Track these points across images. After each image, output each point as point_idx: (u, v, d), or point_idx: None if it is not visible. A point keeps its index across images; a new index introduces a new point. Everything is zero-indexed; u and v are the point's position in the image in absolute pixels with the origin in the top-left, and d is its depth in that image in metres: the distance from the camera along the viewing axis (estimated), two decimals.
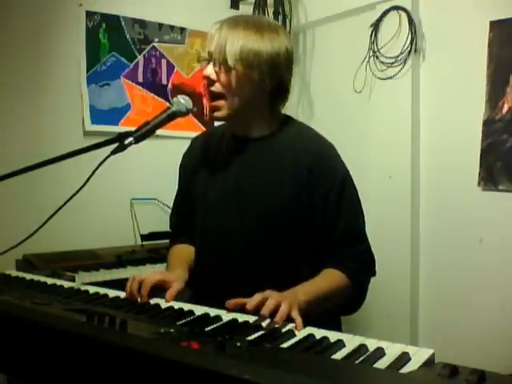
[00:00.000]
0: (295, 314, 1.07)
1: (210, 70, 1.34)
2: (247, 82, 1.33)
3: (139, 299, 1.24)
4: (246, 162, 1.41)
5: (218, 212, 1.42)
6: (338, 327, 1.45)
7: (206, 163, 1.48)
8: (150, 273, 1.32)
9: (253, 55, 1.30)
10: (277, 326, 1.04)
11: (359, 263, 1.37)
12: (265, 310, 1.06)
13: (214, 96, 1.35)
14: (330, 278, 1.32)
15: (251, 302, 1.08)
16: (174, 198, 1.61)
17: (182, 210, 1.55)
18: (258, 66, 1.31)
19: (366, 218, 1.44)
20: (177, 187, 1.59)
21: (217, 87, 1.34)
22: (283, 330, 1.02)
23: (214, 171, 1.45)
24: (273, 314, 1.06)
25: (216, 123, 1.51)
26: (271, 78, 1.34)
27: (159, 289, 1.29)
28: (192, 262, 1.48)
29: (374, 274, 1.43)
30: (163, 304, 1.22)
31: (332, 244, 1.36)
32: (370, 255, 1.42)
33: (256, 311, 1.08)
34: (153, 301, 1.24)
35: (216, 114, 1.36)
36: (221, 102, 1.35)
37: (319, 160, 1.37)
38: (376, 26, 2.65)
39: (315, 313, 1.19)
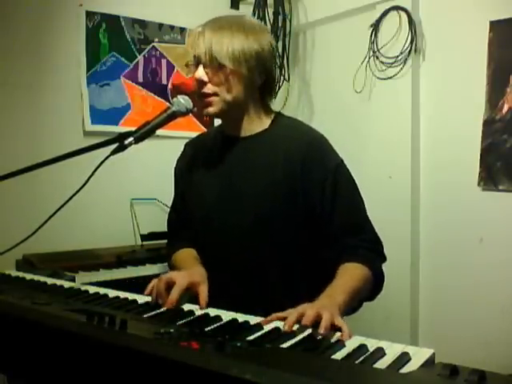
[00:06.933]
0: (339, 321, 1.02)
1: (200, 72, 1.35)
2: (238, 79, 1.35)
3: (166, 303, 1.18)
4: (239, 160, 1.42)
5: (215, 212, 1.42)
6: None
7: (200, 165, 1.49)
8: (176, 273, 1.26)
9: (240, 53, 1.33)
10: (323, 336, 0.97)
11: (371, 250, 1.35)
12: (306, 322, 1.01)
13: (207, 96, 1.36)
14: (353, 272, 1.28)
15: (289, 320, 1.01)
16: (171, 202, 1.61)
17: (181, 213, 1.55)
18: (246, 62, 1.33)
19: None
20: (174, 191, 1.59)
21: (208, 88, 1.35)
22: (282, 330, 1.01)
23: (209, 172, 1.46)
24: (315, 325, 1.01)
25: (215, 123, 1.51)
26: (260, 73, 1.38)
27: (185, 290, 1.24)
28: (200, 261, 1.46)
29: (385, 258, 1.41)
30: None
31: (336, 237, 1.35)
32: (378, 240, 1.40)
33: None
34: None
35: (209, 109, 1.37)
36: (213, 98, 1.36)
37: (311, 153, 1.37)
38: (376, 26, 2.65)
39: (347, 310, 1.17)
